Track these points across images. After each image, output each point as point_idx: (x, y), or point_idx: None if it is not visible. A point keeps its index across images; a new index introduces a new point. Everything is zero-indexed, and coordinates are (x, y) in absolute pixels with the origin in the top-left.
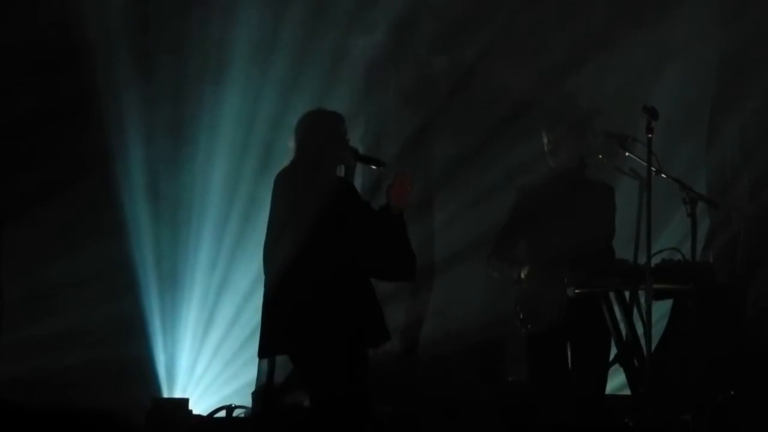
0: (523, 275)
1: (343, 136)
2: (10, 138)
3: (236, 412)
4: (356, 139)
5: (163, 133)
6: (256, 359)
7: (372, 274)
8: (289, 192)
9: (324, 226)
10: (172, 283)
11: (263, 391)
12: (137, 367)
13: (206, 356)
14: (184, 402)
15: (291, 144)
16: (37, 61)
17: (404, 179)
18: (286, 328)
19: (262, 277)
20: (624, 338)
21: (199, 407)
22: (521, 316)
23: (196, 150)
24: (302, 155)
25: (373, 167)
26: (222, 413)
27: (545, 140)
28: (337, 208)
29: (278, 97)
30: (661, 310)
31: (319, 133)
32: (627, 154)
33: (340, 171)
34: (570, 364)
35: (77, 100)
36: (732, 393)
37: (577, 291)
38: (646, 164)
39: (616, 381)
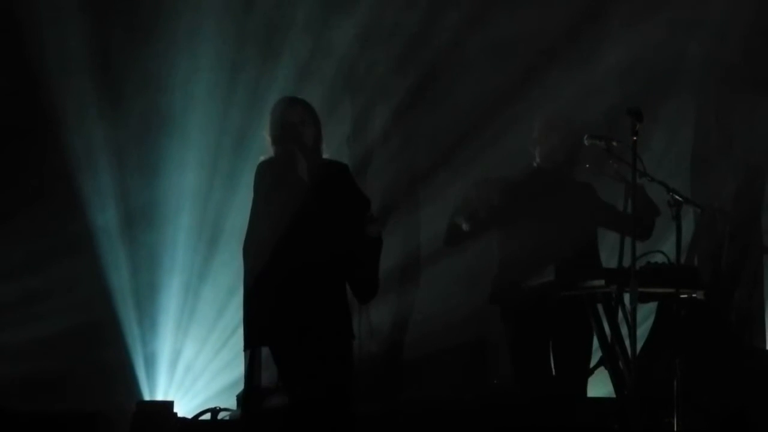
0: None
1: (294, 127)
2: None
3: (221, 415)
4: (343, 136)
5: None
6: (240, 360)
7: (348, 272)
8: (270, 183)
9: (308, 215)
10: (150, 287)
11: (248, 393)
12: (120, 371)
13: (188, 358)
14: (169, 405)
15: (266, 135)
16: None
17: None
18: (267, 319)
19: (242, 277)
20: (608, 341)
21: (183, 410)
22: (506, 317)
23: (167, 152)
24: (278, 146)
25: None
26: (207, 416)
27: (535, 132)
28: (328, 193)
29: (251, 99)
30: (646, 312)
31: (292, 121)
32: (611, 158)
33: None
34: (553, 366)
35: (42, 114)
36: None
37: (562, 293)
38: (630, 167)
39: (600, 384)
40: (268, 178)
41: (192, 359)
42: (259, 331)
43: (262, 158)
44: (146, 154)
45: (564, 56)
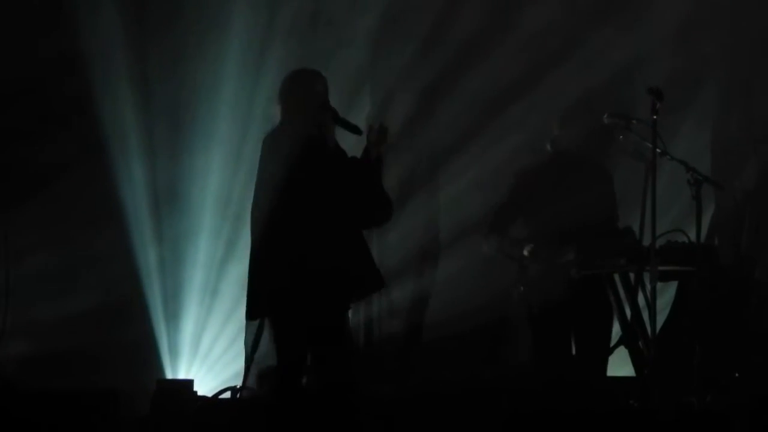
0: (526, 252)
1: (320, 96)
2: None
3: (241, 394)
4: (362, 118)
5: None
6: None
7: (355, 223)
8: (275, 154)
9: (309, 184)
10: (174, 264)
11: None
12: (141, 348)
13: (210, 337)
14: (189, 383)
15: (275, 107)
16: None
17: (383, 130)
18: (272, 289)
19: None
20: (628, 320)
21: (203, 388)
22: (527, 297)
23: (194, 132)
24: (285, 117)
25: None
26: (227, 394)
27: (557, 118)
28: (322, 164)
29: (278, 78)
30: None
31: (298, 93)
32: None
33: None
34: (573, 346)
35: (75, 90)
36: (736, 375)
37: (581, 272)
38: (651, 146)
39: (620, 363)
40: (275, 147)
41: (214, 338)
42: (262, 301)
43: (271, 129)
44: (174, 132)
45: (587, 43)
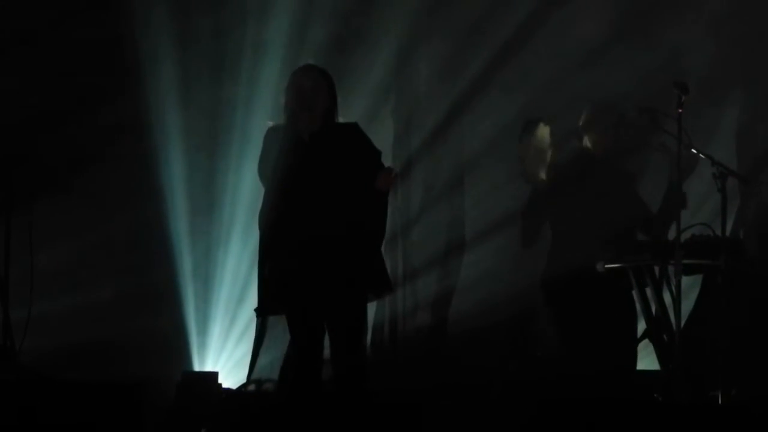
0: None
1: (305, 94)
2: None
3: (266, 386)
4: (387, 115)
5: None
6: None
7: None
8: (269, 148)
9: (296, 182)
10: (205, 256)
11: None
12: (168, 339)
13: (238, 330)
14: (214, 375)
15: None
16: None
17: (391, 173)
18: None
19: None
20: (653, 314)
21: (228, 381)
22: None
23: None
24: (287, 109)
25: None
26: (251, 387)
27: (581, 120)
28: (304, 163)
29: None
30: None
31: (288, 90)
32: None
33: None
34: (599, 339)
35: (114, 63)
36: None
37: (607, 266)
38: (676, 139)
39: (645, 357)
40: (267, 143)
41: (243, 331)
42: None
43: (270, 123)
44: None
45: (613, 42)
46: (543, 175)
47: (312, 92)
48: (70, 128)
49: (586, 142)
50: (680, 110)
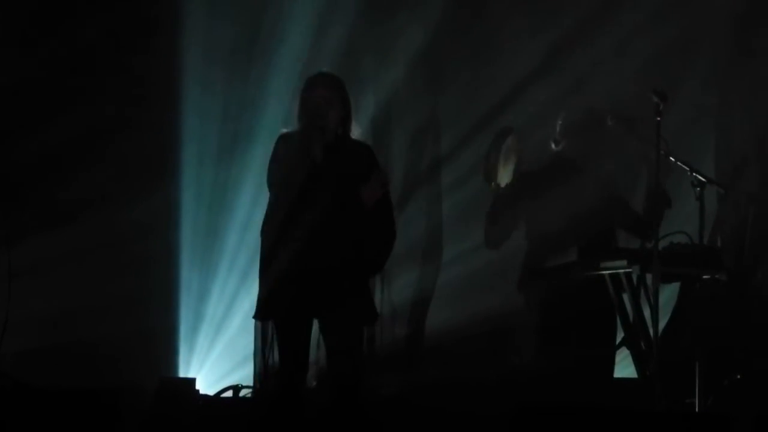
0: None
1: (312, 105)
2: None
3: (243, 392)
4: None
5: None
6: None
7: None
8: (279, 158)
9: (318, 194)
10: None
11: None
12: (144, 345)
13: (223, 337)
14: (191, 381)
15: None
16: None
17: (381, 179)
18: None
19: None
20: (631, 321)
21: (205, 387)
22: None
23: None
24: (299, 123)
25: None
26: (229, 393)
27: (558, 125)
28: (344, 171)
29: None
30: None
31: (316, 100)
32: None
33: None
34: (577, 346)
35: (140, 32)
36: (738, 377)
37: (583, 274)
38: (654, 147)
39: (622, 365)
40: (278, 152)
41: (214, 336)
42: (266, 305)
43: (283, 130)
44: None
45: (592, 42)
46: (507, 180)
47: (325, 107)
48: (41, 136)
49: (563, 147)
50: (659, 118)
